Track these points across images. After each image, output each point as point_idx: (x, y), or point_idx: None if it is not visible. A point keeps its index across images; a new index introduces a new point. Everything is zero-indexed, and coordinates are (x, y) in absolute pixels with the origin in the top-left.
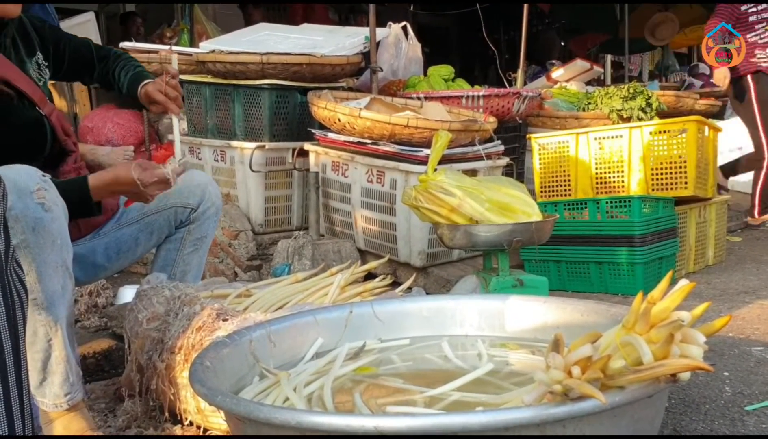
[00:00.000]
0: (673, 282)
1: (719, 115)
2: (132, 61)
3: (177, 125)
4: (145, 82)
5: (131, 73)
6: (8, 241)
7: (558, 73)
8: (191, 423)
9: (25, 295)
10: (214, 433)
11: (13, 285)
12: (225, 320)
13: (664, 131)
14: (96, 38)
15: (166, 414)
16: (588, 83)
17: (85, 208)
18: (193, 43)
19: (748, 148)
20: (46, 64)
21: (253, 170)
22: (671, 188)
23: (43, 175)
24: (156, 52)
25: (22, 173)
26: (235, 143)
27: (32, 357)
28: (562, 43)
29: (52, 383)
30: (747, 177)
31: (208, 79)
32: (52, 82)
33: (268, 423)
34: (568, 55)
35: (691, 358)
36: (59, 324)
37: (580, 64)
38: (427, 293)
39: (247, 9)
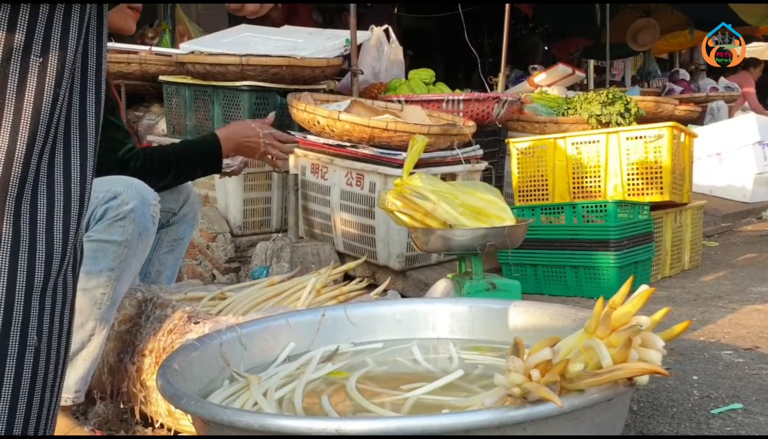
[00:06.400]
0: (650, 286)
1: (699, 120)
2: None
3: None
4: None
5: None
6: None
7: (540, 77)
8: (162, 426)
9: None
10: (185, 435)
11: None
12: (196, 322)
13: (641, 137)
14: None
15: (137, 417)
16: (570, 88)
17: (215, 162)
18: (174, 44)
19: (727, 154)
20: None
21: None
22: (647, 193)
23: (156, 195)
24: (136, 52)
25: (146, 187)
26: None
27: None
28: (546, 48)
29: (68, 376)
30: (726, 182)
31: (188, 80)
32: None
33: (231, 426)
34: (552, 59)
35: (649, 362)
36: (107, 325)
37: (561, 69)
38: (406, 296)
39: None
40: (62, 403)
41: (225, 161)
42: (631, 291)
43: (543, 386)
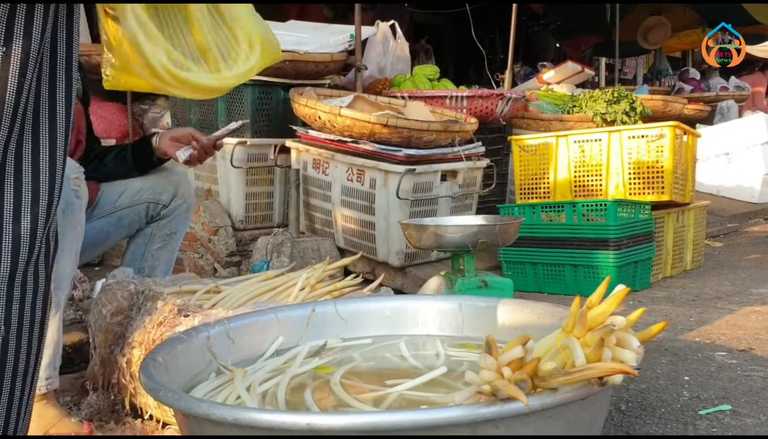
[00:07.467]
0: (649, 287)
1: (708, 120)
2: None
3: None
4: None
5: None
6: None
7: (549, 75)
8: (151, 417)
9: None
10: (173, 427)
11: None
12: (186, 315)
13: (643, 136)
14: (84, 30)
15: (128, 408)
16: (581, 85)
17: (144, 151)
18: None
19: (735, 153)
20: None
21: (234, 166)
22: (648, 193)
23: (79, 167)
24: None
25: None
26: None
27: None
28: (557, 45)
29: None
30: (734, 182)
31: None
32: None
33: (207, 419)
34: (563, 56)
35: (622, 362)
36: (58, 309)
37: (570, 66)
38: (405, 293)
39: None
40: (37, 391)
41: (181, 152)
42: (635, 292)
43: (512, 383)
